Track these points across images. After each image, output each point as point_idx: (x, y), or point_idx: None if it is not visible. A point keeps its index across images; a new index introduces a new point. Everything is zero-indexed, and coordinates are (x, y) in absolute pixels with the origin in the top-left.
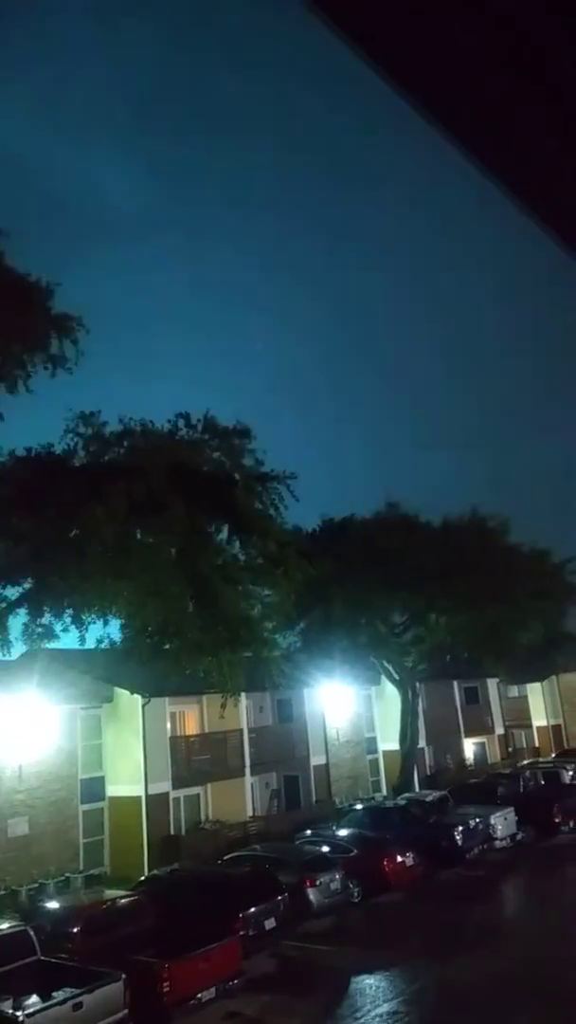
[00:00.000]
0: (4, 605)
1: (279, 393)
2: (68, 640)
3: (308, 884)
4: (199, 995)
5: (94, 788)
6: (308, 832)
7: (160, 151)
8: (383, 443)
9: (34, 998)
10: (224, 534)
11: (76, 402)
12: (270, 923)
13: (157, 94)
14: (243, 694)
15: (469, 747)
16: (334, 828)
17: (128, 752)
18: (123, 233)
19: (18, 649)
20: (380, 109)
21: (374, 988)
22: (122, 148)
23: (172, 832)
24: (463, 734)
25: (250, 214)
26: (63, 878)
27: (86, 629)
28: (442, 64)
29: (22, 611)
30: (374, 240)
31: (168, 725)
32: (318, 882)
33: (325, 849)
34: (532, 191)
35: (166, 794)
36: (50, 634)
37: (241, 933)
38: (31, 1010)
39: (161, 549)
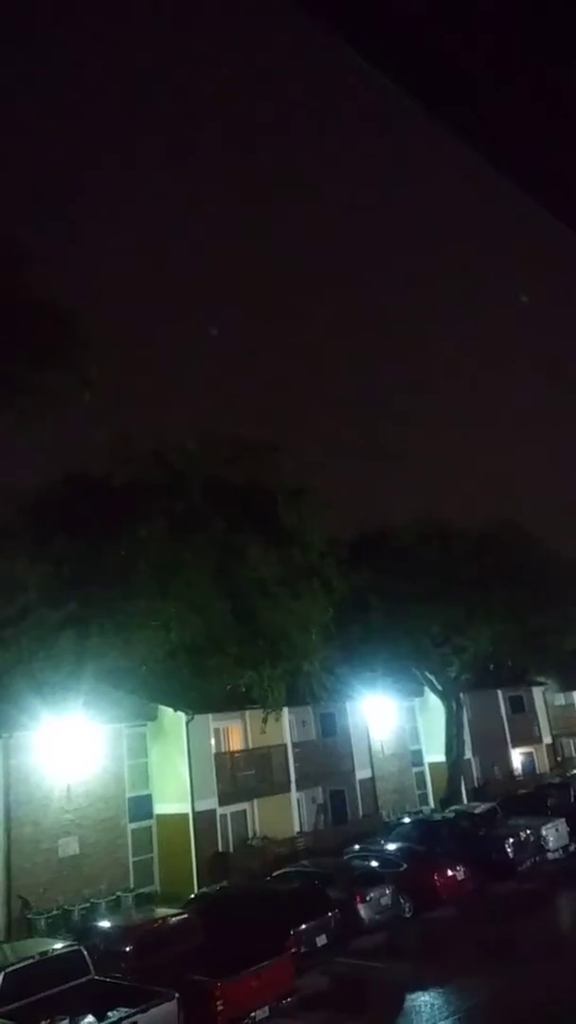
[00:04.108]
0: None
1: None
2: (112, 659)
3: (358, 900)
4: (253, 1014)
5: (141, 806)
6: (356, 847)
7: None
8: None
9: (89, 1018)
10: (261, 548)
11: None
12: (321, 940)
13: None
14: (285, 709)
15: (516, 757)
16: (382, 842)
17: (174, 769)
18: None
19: (64, 669)
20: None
21: (429, 1005)
22: None
23: (220, 849)
24: (510, 744)
25: None
26: (114, 897)
27: (130, 648)
28: None
29: (69, 631)
30: None
31: (212, 741)
32: (368, 897)
33: (374, 864)
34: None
35: (213, 811)
36: (96, 654)
37: (293, 950)
38: None
39: (201, 566)
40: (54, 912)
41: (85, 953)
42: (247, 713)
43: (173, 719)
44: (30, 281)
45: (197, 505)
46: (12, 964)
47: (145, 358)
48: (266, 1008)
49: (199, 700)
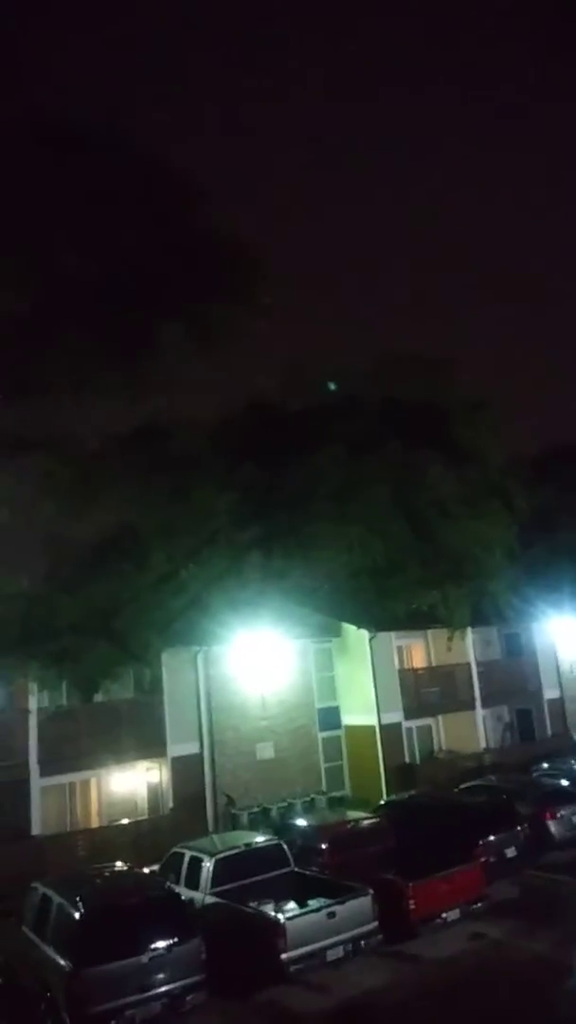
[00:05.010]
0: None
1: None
2: (295, 579)
3: (549, 816)
4: (444, 915)
5: (330, 717)
6: (544, 765)
7: None
8: None
9: (291, 904)
10: (440, 468)
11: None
12: (510, 852)
13: None
14: (469, 628)
15: None
16: (573, 763)
17: (359, 684)
18: None
19: (253, 588)
20: None
21: None
22: None
23: (406, 760)
24: None
25: None
26: (308, 799)
27: (312, 568)
28: None
29: (255, 553)
30: None
31: (396, 658)
32: (559, 815)
33: (564, 783)
34: None
35: (398, 724)
36: (282, 574)
37: (482, 859)
38: (291, 914)
39: (379, 488)
40: (254, 809)
41: (285, 847)
42: (430, 632)
43: (357, 636)
44: (207, 214)
45: (373, 426)
46: (223, 852)
47: (319, 283)
48: (456, 911)
49: (382, 618)
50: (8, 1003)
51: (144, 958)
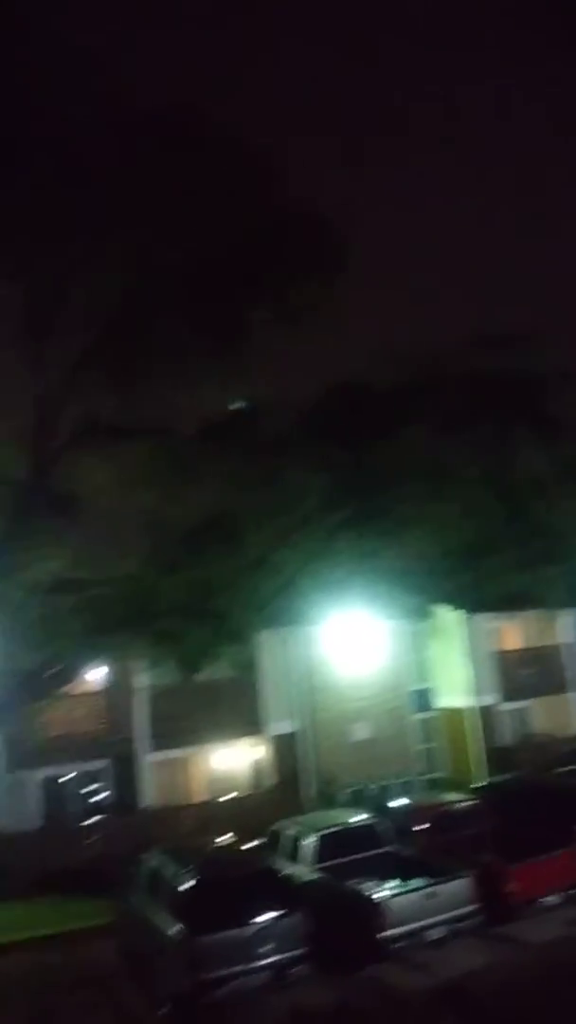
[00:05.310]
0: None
1: None
2: (388, 560)
3: None
4: (542, 899)
5: (425, 699)
6: None
7: None
8: None
9: (390, 884)
10: (533, 445)
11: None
12: None
13: None
14: (567, 610)
15: None
16: None
17: (453, 666)
18: None
19: (345, 569)
20: None
21: None
22: None
23: (503, 743)
24: None
25: None
26: (404, 780)
27: (405, 549)
28: None
29: (347, 534)
30: None
31: (490, 640)
32: None
33: None
34: None
35: (493, 706)
36: (373, 554)
37: None
38: (390, 893)
39: (471, 467)
40: (351, 789)
41: (382, 827)
42: (525, 614)
43: (451, 618)
44: (289, 190)
45: (464, 404)
46: (323, 830)
47: (405, 259)
48: (555, 895)
49: (476, 599)
50: (127, 962)
51: (250, 930)
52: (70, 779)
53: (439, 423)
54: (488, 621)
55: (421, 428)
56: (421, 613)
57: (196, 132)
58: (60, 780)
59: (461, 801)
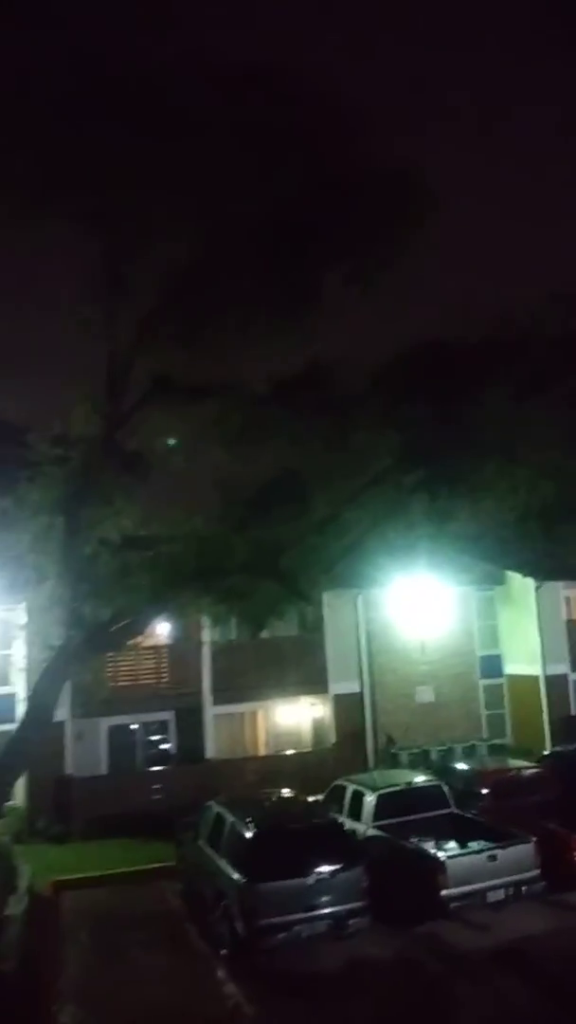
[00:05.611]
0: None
1: None
2: (460, 524)
3: None
4: None
5: (492, 665)
6: None
7: None
8: None
9: (451, 844)
10: None
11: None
12: None
13: None
14: None
15: None
16: None
17: (523, 633)
18: None
19: (415, 532)
20: None
21: None
22: None
23: (572, 712)
24: None
25: None
26: (468, 744)
27: (479, 512)
28: None
29: (420, 496)
30: None
31: (563, 609)
32: None
33: None
34: None
35: (564, 675)
36: (447, 517)
37: None
38: (452, 853)
39: (552, 427)
40: (414, 750)
41: (445, 789)
42: None
43: (522, 584)
44: (371, 146)
45: (546, 364)
46: (385, 788)
47: (490, 217)
48: None
49: (549, 567)
50: (190, 906)
51: (310, 880)
52: (136, 729)
53: (519, 383)
54: (561, 589)
55: (501, 388)
56: (491, 579)
57: (277, 86)
58: (127, 729)
59: (526, 768)
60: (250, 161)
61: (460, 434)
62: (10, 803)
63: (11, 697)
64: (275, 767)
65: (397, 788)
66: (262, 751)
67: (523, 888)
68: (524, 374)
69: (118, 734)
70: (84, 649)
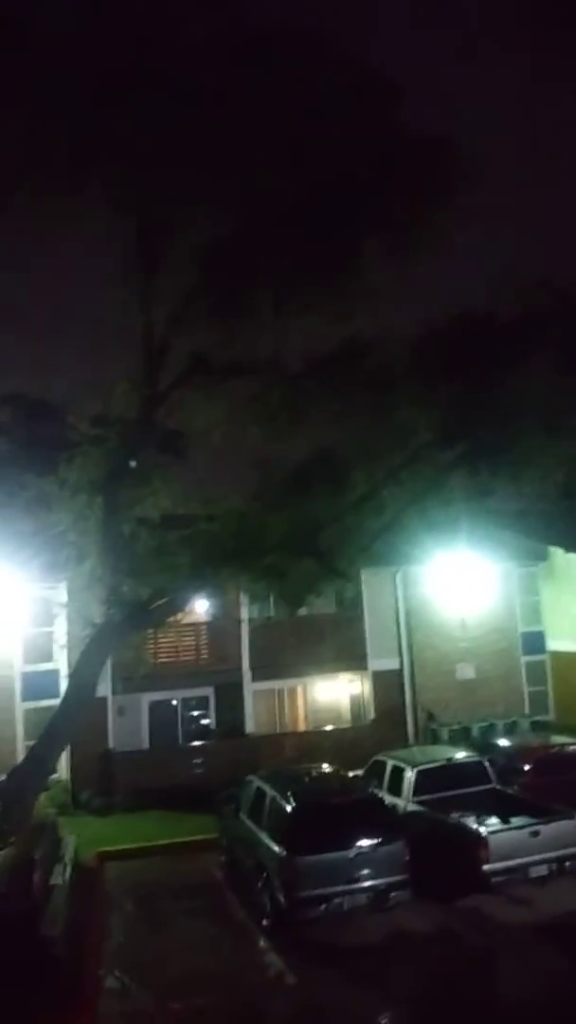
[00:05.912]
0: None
1: None
2: (501, 499)
3: None
4: None
5: (534, 641)
6: None
7: None
8: None
9: (492, 819)
10: None
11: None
12: None
13: None
14: None
15: None
16: None
17: (566, 609)
18: None
19: (455, 508)
20: None
21: None
22: None
23: None
24: None
25: None
26: (510, 721)
27: (520, 487)
28: None
29: (460, 471)
30: None
31: None
32: None
33: None
34: None
35: None
36: (487, 492)
37: None
38: (494, 828)
39: None
40: (455, 727)
41: (487, 765)
42: None
43: (565, 560)
44: (405, 117)
45: None
46: (425, 764)
47: (531, 184)
48: None
49: None
50: (232, 877)
51: (351, 853)
52: (177, 704)
53: (562, 356)
54: None
55: (541, 361)
56: (534, 555)
57: (313, 56)
58: (168, 704)
59: (569, 745)
60: (288, 132)
61: (500, 408)
62: (54, 776)
63: (54, 673)
64: (314, 743)
65: (437, 764)
66: (301, 727)
67: (566, 864)
68: (566, 346)
69: (159, 709)
70: (124, 626)
